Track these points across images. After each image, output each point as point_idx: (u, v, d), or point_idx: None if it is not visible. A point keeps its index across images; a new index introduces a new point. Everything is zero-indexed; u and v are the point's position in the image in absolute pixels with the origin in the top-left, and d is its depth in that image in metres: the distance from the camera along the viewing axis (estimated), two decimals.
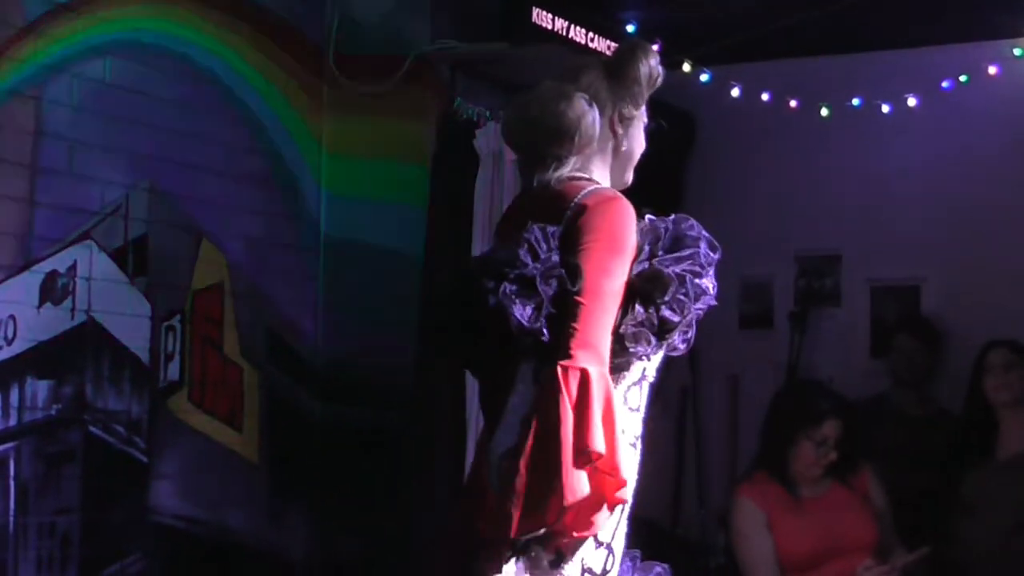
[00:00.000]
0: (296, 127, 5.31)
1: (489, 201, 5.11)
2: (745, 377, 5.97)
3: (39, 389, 4.30)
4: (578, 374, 2.48)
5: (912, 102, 5.73)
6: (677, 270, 2.61)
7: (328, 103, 5.40)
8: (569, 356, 2.49)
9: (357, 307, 5.32)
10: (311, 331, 5.33)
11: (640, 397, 2.69)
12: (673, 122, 5.98)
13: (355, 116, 5.37)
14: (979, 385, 5.03)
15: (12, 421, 4.23)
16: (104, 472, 4.49)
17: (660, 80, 2.84)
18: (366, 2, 5.35)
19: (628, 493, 2.56)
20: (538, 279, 2.56)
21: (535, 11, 5.15)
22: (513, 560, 2.54)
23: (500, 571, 2.52)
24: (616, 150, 2.82)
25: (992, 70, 5.63)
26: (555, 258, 2.58)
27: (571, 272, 2.56)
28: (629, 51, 2.86)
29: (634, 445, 2.67)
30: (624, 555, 2.69)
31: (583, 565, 2.58)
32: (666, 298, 2.59)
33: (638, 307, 2.59)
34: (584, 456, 2.45)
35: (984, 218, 5.72)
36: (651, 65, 2.83)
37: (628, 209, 2.68)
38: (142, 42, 4.68)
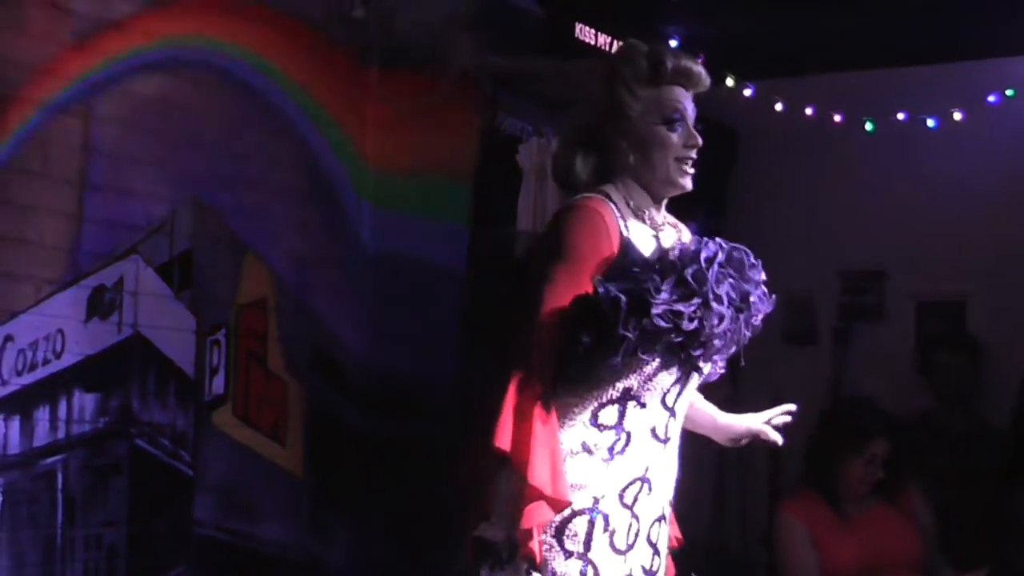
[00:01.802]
0: (340, 143, 5.35)
1: (532, 216, 5.12)
2: (787, 393, 5.93)
3: (86, 402, 4.35)
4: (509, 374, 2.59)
5: (958, 116, 5.70)
6: (618, 290, 2.56)
7: (372, 119, 5.43)
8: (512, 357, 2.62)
9: (400, 321, 5.34)
10: (354, 345, 5.35)
11: (617, 416, 2.66)
12: (716, 137, 5.99)
13: (398, 132, 5.40)
14: None
15: (60, 434, 4.27)
16: (150, 485, 4.53)
17: (639, 66, 2.77)
18: (410, 19, 5.38)
19: (562, 495, 2.58)
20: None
21: (578, 27, 5.17)
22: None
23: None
24: (627, 155, 2.78)
25: None
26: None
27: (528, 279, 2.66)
28: (590, 74, 2.87)
29: (604, 459, 2.66)
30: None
31: (554, 573, 2.62)
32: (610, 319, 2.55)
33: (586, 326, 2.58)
34: (488, 447, 2.56)
35: None
36: (609, 71, 2.79)
37: (582, 217, 2.67)
38: (188, 59, 4.72)
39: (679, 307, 2.56)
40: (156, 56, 4.60)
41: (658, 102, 2.76)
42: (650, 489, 2.73)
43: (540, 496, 2.56)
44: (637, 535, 2.71)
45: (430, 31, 5.36)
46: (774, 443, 3.00)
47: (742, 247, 2.71)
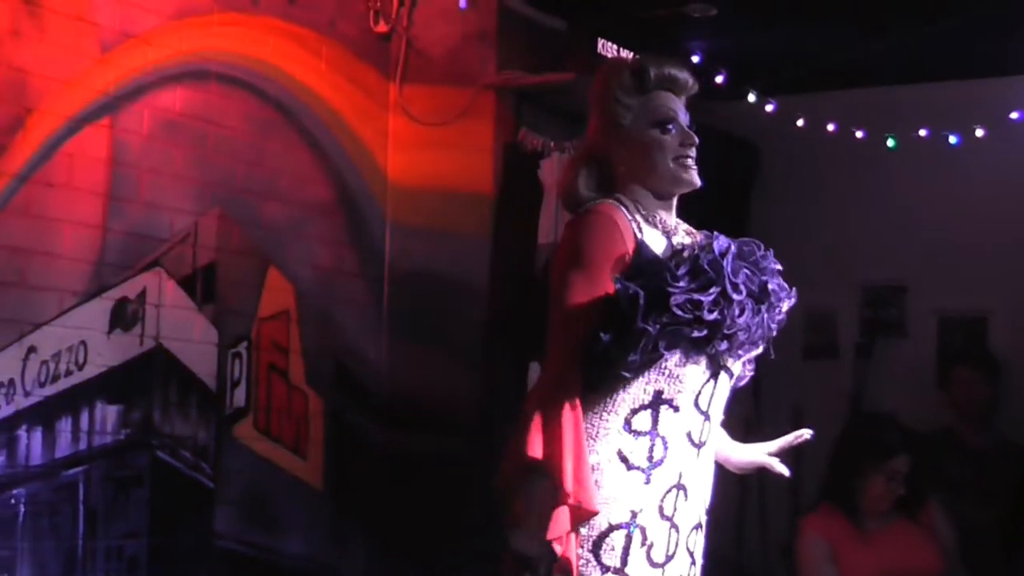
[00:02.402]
0: (362, 157, 5.37)
1: (553, 231, 5.12)
2: (809, 408, 5.93)
3: (109, 414, 4.36)
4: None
5: (980, 133, 5.69)
6: (636, 287, 2.58)
7: (394, 134, 5.45)
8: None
9: (421, 336, 5.35)
10: (376, 359, 5.37)
11: (651, 422, 2.66)
12: (738, 152, 5.99)
13: (420, 147, 5.41)
14: None
15: (82, 445, 4.29)
16: (171, 497, 4.54)
17: (624, 78, 2.81)
18: (432, 33, 5.40)
19: (588, 504, 2.57)
20: None
21: (600, 42, 5.18)
22: None
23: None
24: (627, 163, 2.80)
25: None
26: None
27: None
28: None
29: (643, 469, 2.66)
30: None
31: None
32: (636, 314, 2.56)
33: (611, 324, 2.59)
34: (519, 457, 2.57)
35: None
36: (597, 89, 2.83)
37: (594, 223, 2.70)
38: (212, 73, 4.75)
39: (698, 297, 2.57)
40: (180, 69, 4.63)
41: (647, 108, 2.80)
42: (686, 496, 2.72)
43: (571, 503, 2.56)
44: (677, 545, 2.71)
45: (453, 46, 5.38)
46: (779, 475, 2.99)
47: (751, 240, 2.74)
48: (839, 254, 6.02)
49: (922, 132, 5.77)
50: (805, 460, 5.76)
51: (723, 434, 2.98)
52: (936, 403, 5.74)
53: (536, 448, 2.56)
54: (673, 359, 2.63)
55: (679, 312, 2.57)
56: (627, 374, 2.62)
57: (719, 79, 5.45)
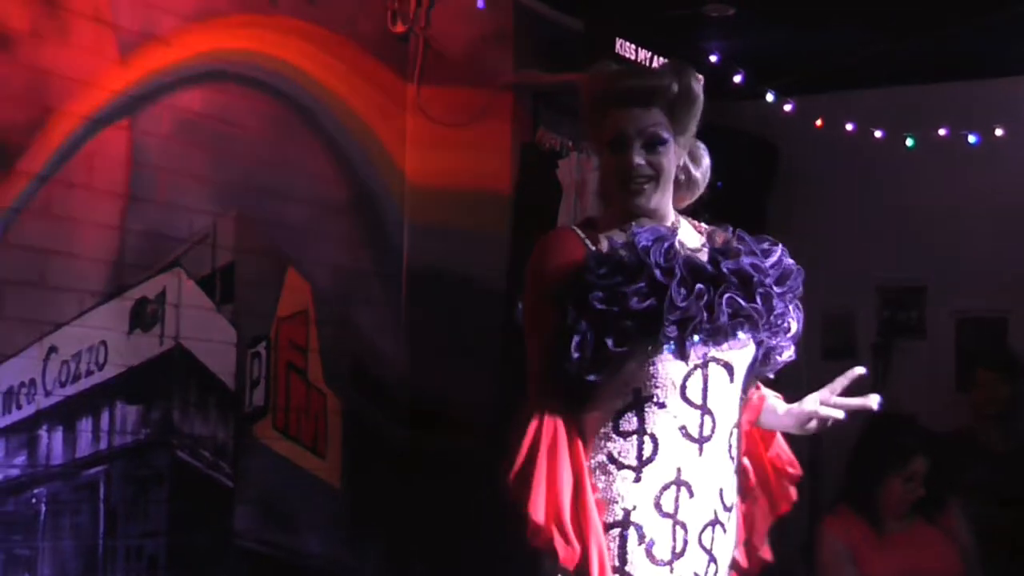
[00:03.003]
0: (380, 157, 5.38)
1: None
2: None
3: (128, 414, 4.38)
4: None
5: (999, 132, 5.67)
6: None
7: (412, 134, 5.46)
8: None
9: (439, 335, 5.35)
10: (394, 358, 5.37)
11: (638, 421, 2.66)
12: (756, 152, 5.98)
13: (438, 146, 5.42)
14: None
15: (103, 445, 4.30)
16: (190, 496, 4.55)
17: (585, 95, 2.78)
18: (450, 34, 5.41)
19: (538, 518, 2.58)
20: None
21: (619, 42, 5.18)
22: None
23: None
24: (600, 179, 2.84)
25: None
26: None
27: None
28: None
29: (632, 468, 2.66)
30: None
31: None
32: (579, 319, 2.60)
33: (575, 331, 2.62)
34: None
35: None
36: (587, 93, 2.81)
37: (546, 245, 2.72)
38: (232, 73, 4.76)
39: (622, 288, 2.58)
40: (200, 70, 4.64)
41: (601, 127, 2.76)
42: (691, 493, 2.69)
43: (534, 528, 2.59)
44: (686, 543, 2.70)
45: (470, 46, 5.39)
46: (836, 421, 2.88)
47: (726, 225, 2.76)
48: (857, 254, 6.01)
49: (941, 132, 5.76)
50: (823, 461, 5.78)
51: (775, 399, 2.93)
52: (955, 404, 5.72)
53: (512, 472, 2.61)
54: (642, 356, 2.63)
55: (603, 306, 2.58)
56: (590, 378, 2.62)
57: (737, 79, 5.44)
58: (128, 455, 4.37)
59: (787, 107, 5.74)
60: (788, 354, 2.82)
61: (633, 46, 5.21)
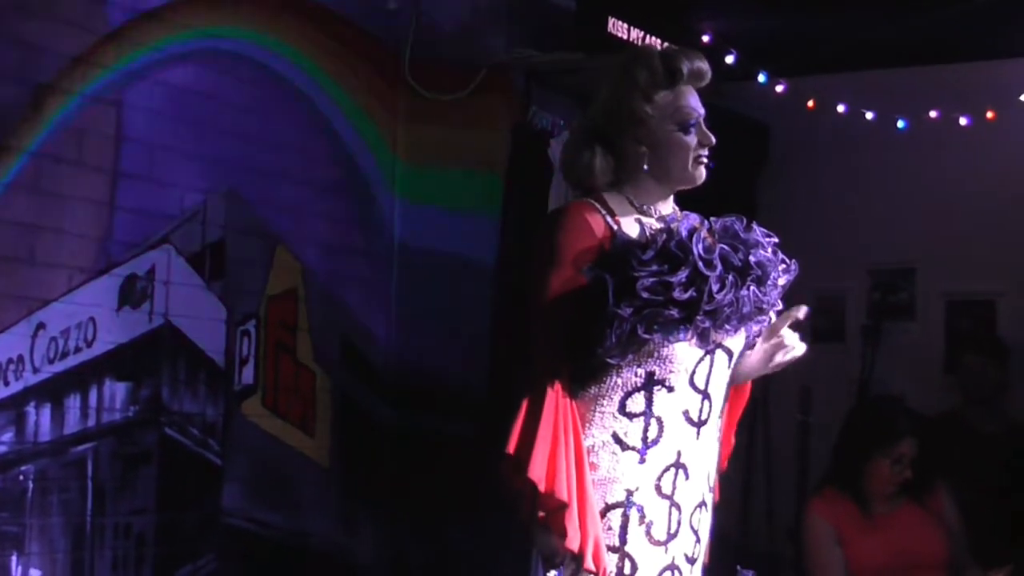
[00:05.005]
0: (371, 135, 5.36)
1: None
2: (816, 391, 5.93)
3: (117, 391, 4.37)
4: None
5: (991, 115, 5.67)
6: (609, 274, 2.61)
7: (403, 112, 5.44)
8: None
9: (430, 314, 5.35)
10: (384, 337, 5.37)
11: (645, 402, 2.68)
12: (746, 133, 5.97)
13: (430, 125, 5.41)
14: None
15: (91, 422, 4.30)
16: (179, 474, 4.56)
17: (653, 70, 2.78)
18: (443, 12, 5.39)
19: (555, 491, 2.58)
20: None
21: (611, 21, 5.16)
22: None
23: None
24: (644, 159, 2.80)
25: None
26: None
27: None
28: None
29: (637, 449, 2.68)
30: None
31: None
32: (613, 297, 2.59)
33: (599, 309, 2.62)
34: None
35: None
36: (622, 74, 2.81)
37: (565, 219, 2.72)
38: (222, 49, 4.74)
39: (668, 278, 2.59)
40: (190, 46, 4.62)
41: (675, 107, 2.78)
42: (687, 475, 2.73)
43: (538, 489, 2.60)
44: (679, 524, 2.72)
45: (463, 24, 5.37)
46: (797, 318, 2.86)
47: (734, 216, 2.75)
48: (847, 236, 6.00)
49: (932, 114, 5.75)
50: (812, 443, 5.79)
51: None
52: (943, 387, 5.73)
53: (512, 444, 2.61)
54: (661, 340, 2.64)
55: (649, 295, 2.58)
56: (612, 360, 2.64)
57: (729, 59, 5.43)
58: (117, 432, 4.37)
59: (779, 88, 5.72)
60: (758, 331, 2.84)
61: (625, 25, 5.19)
